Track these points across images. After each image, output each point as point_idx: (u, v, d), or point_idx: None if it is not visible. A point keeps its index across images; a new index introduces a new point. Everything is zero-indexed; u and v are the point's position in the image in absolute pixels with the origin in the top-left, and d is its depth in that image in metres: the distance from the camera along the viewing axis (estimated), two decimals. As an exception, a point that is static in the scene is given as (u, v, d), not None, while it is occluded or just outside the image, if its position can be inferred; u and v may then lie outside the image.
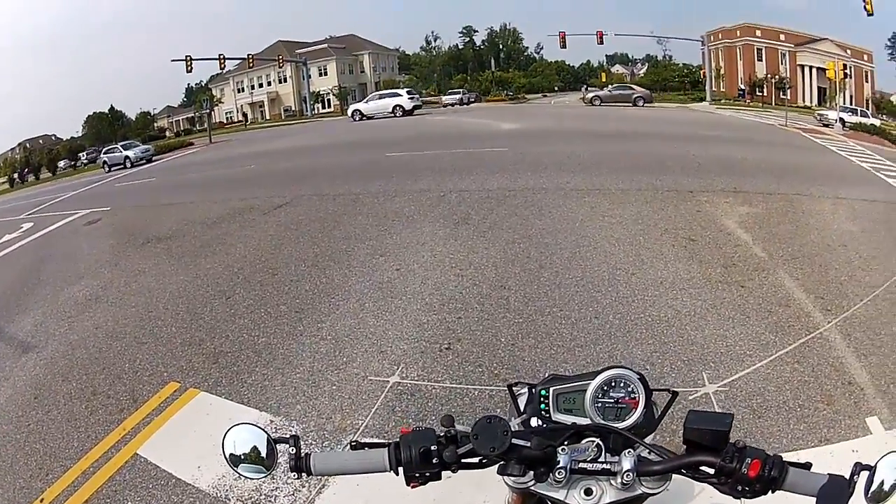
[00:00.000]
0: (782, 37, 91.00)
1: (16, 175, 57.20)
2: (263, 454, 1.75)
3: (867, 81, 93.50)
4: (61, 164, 59.60)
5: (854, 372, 6.55)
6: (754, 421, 5.53)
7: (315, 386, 6.17)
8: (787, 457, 1.64)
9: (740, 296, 8.39)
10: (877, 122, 48.00)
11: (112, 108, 74.51)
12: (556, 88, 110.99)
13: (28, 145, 64.73)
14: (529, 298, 8.23)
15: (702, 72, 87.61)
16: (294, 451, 1.74)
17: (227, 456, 1.74)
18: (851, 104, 71.82)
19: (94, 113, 73.33)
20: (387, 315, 7.83)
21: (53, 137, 67.66)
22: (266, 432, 1.74)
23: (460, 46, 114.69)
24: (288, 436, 1.77)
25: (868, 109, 69.07)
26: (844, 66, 63.44)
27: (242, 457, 1.74)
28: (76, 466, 5.51)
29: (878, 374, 6.54)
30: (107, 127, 69.70)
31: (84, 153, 61.70)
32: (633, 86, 59.69)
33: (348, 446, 1.79)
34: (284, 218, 13.51)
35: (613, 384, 1.88)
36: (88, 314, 9.55)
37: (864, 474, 1.59)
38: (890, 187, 18.16)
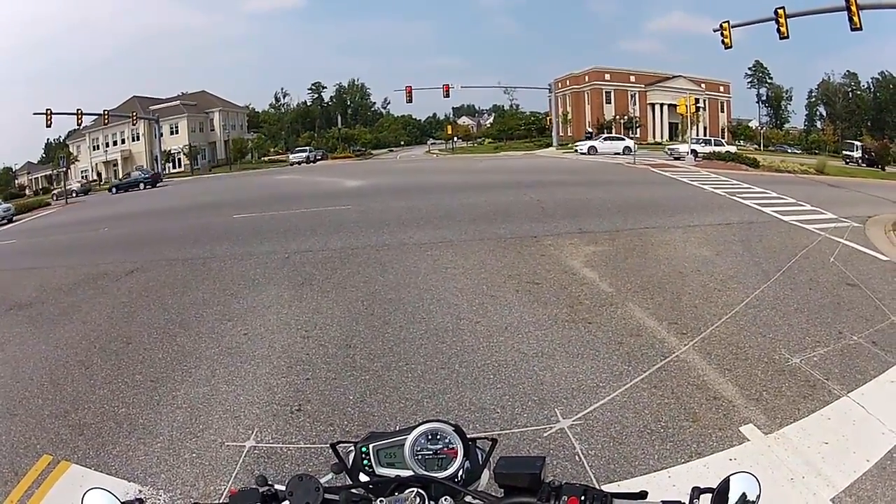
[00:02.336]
0: (632, 78, 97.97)
1: None
2: None
3: (723, 111, 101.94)
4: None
5: (719, 387, 7.08)
6: (615, 448, 5.80)
7: (176, 455, 6.38)
8: (652, 477, 1.80)
9: (588, 332, 8.92)
10: (732, 150, 51.93)
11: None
12: (402, 143, 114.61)
13: None
14: (375, 355, 8.52)
15: (548, 118, 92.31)
16: None
17: None
18: (706, 135, 77.87)
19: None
20: (237, 380, 8.06)
21: None
22: (116, 497, 1.93)
23: (309, 103, 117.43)
24: (133, 499, 2.01)
25: (723, 138, 75.10)
26: (697, 100, 68.46)
27: None
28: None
29: (746, 385, 7.12)
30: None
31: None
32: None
33: None
34: (135, 284, 13.75)
35: (430, 437, 2.07)
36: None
37: (705, 497, 1.73)
38: (745, 208, 19.97)
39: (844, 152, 72.33)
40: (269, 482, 1.97)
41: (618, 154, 54.60)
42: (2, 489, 6.23)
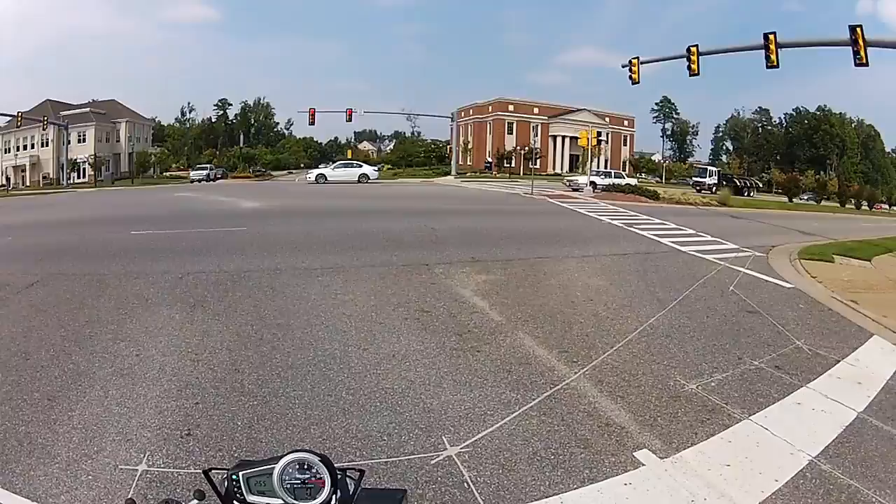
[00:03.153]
0: (536, 110, 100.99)
1: None
2: None
3: (626, 145, 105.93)
4: None
5: (611, 414, 7.16)
6: (504, 475, 5.79)
7: (73, 476, 6.23)
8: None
9: (476, 360, 8.97)
10: (633, 182, 53.75)
11: None
12: (301, 165, 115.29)
13: None
14: (263, 381, 8.40)
15: (448, 147, 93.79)
16: None
17: None
18: (607, 168, 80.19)
19: None
20: (129, 402, 7.85)
21: None
22: None
23: (213, 119, 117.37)
24: None
25: (625, 171, 77.27)
26: (599, 133, 70.89)
27: None
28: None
29: (640, 411, 7.24)
30: None
31: None
32: None
33: None
34: (35, 298, 13.26)
35: (298, 466, 2.19)
36: None
37: None
38: (642, 239, 20.66)
39: (695, 179, 69.89)
40: None
41: (358, 182, 56.02)
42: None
